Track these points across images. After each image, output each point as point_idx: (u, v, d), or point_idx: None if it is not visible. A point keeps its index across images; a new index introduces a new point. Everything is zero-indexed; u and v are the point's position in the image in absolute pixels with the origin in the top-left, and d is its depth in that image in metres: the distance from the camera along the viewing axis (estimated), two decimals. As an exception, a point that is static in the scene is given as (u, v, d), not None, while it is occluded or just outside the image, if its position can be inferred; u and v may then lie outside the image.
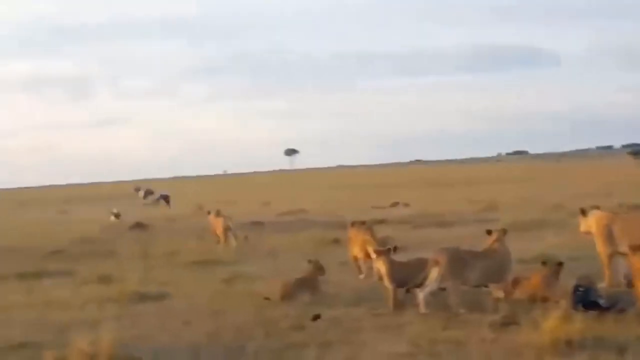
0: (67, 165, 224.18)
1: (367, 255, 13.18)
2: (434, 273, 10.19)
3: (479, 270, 10.25)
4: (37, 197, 75.75)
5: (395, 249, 11.28)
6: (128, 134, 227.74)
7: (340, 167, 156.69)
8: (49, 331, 10.01)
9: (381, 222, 23.23)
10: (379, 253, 11.01)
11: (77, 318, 10.68)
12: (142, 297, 11.96)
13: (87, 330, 9.19)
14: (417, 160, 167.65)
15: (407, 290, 10.79)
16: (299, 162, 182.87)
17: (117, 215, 29.94)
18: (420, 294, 10.25)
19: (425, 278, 10.35)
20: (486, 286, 10.62)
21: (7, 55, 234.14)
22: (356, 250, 13.79)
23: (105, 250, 19.06)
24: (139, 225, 25.91)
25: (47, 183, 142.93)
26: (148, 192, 52.88)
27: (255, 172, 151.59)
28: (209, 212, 21.61)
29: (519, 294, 10.37)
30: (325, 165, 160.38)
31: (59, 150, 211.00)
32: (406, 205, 32.02)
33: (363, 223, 14.44)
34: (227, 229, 19.75)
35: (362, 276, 13.42)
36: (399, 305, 10.50)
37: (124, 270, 14.89)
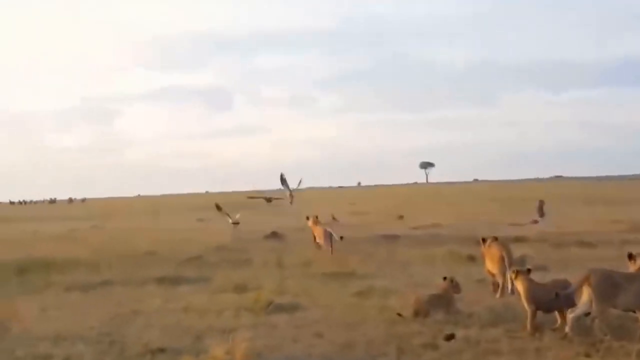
0: (207, 173, 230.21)
1: (502, 272, 12.92)
2: (585, 295, 9.70)
3: (632, 294, 9.65)
4: (178, 204, 78.26)
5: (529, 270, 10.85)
6: (265, 144, 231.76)
7: (477, 182, 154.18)
8: (186, 337, 10.23)
9: (519, 239, 22.61)
10: (517, 273, 10.64)
11: (214, 325, 10.90)
12: (277, 307, 12.05)
13: (223, 337, 9.36)
14: (557, 177, 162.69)
15: (548, 311, 10.41)
16: (435, 175, 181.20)
17: (235, 223, 29.37)
18: (569, 316, 9.82)
19: (568, 300, 9.95)
20: (634, 312, 10.05)
21: (157, 67, 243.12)
22: (490, 266, 13.51)
23: (241, 259, 19.38)
24: (273, 235, 26.27)
25: (188, 191, 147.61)
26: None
27: (389, 185, 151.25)
28: (307, 218, 22.01)
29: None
30: (462, 180, 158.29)
31: (200, 159, 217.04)
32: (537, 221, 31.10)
33: (495, 239, 14.01)
34: (327, 236, 20.10)
35: (497, 295, 13.07)
36: (538, 328, 10.12)
37: (259, 279, 15.11)
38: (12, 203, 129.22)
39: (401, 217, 38.95)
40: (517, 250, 18.67)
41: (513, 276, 10.72)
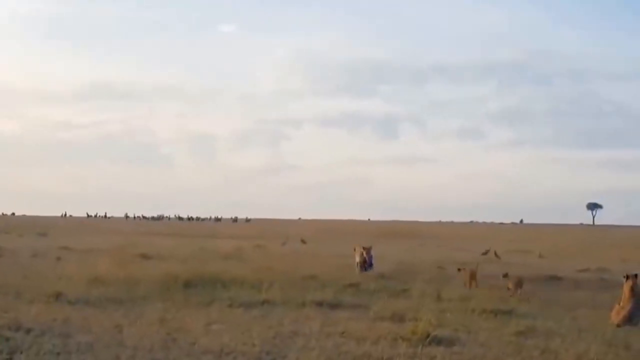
0: (372, 201, 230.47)
1: None
2: None
3: None
4: (343, 230, 78.95)
5: None
6: (431, 175, 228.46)
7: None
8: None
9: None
10: None
11: (370, 352, 10.93)
12: (434, 339, 11.91)
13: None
14: None
15: None
16: (602, 217, 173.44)
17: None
18: None
19: None
20: None
21: (327, 93, 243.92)
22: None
23: (400, 288, 19.35)
24: (436, 266, 26.08)
25: (353, 217, 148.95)
26: None
27: (553, 224, 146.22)
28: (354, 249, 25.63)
29: None
30: (631, 223, 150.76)
31: (366, 186, 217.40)
32: None
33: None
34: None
35: None
36: None
37: (417, 309, 15.01)
38: (180, 219, 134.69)
39: (565, 257, 37.68)
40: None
41: None
